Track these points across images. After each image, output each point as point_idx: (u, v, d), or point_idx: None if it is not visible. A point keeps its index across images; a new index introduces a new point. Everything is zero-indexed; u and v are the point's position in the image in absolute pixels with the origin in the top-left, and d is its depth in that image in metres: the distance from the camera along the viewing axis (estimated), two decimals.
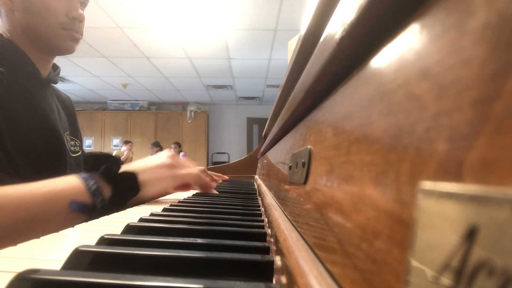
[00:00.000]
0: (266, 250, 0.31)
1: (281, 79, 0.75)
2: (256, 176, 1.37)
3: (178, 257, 0.26)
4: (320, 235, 0.22)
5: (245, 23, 3.28)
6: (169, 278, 0.21)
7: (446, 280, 0.09)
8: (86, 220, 0.46)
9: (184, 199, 0.72)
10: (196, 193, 0.87)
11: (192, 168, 0.69)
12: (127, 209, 0.58)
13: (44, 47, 0.75)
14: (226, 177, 1.27)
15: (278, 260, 0.27)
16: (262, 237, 0.37)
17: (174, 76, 5.06)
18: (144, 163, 0.62)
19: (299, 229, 0.29)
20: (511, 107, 0.08)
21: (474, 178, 0.09)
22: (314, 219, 0.24)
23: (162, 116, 6.70)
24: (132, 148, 5.66)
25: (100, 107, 6.74)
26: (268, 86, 5.55)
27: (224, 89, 5.77)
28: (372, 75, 0.18)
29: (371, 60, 0.18)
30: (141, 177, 0.57)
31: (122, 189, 0.55)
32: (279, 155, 0.60)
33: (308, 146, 0.30)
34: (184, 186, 0.80)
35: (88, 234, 0.39)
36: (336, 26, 0.21)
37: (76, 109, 0.95)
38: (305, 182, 0.29)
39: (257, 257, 0.27)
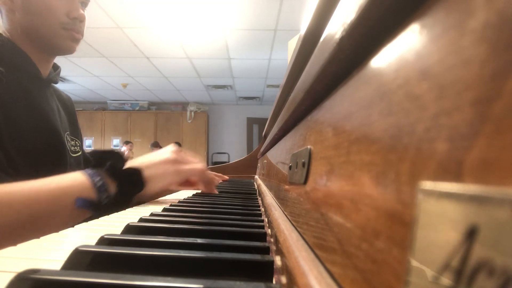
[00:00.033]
0: (266, 250, 0.31)
1: (281, 79, 0.75)
2: (256, 176, 1.37)
3: (178, 257, 0.26)
4: (320, 235, 0.22)
5: (245, 23, 3.28)
6: (169, 278, 0.21)
7: (446, 280, 0.09)
8: (87, 220, 0.46)
9: (184, 199, 0.72)
10: (196, 193, 0.87)
11: (197, 163, 0.69)
12: (127, 209, 0.58)
13: (45, 47, 0.75)
14: (226, 177, 1.27)
15: (278, 260, 0.27)
16: (262, 237, 0.37)
17: (174, 76, 5.06)
18: (148, 158, 0.62)
19: (299, 229, 0.29)
20: (511, 107, 0.08)
21: (474, 178, 0.09)
22: (314, 219, 0.24)
23: (162, 116, 6.70)
24: (132, 148, 5.67)
25: (100, 107, 6.74)
26: (268, 86, 5.55)
27: (224, 89, 5.77)
28: (372, 75, 0.18)
29: (371, 60, 0.18)
30: (146, 173, 0.58)
31: (127, 185, 0.55)
32: (279, 155, 0.60)
33: (308, 146, 0.30)
34: (189, 183, 0.80)
35: (88, 234, 0.39)
36: (336, 26, 0.21)
37: (76, 109, 0.95)
38: (305, 182, 0.29)
39: (257, 257, 0.27)
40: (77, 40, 0.78)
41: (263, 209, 0.56)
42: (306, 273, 0.19)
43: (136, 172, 0.57)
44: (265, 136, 1.24)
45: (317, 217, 0.23)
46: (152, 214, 0.48)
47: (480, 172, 0.08)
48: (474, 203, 0.08)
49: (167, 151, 0.65)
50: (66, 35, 0.75)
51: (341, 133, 0.21)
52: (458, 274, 0.08)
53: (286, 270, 0.23)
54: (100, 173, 0.52)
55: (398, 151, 0.13)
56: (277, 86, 5.22)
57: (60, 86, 0.90)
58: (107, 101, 6.65)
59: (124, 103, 6.65)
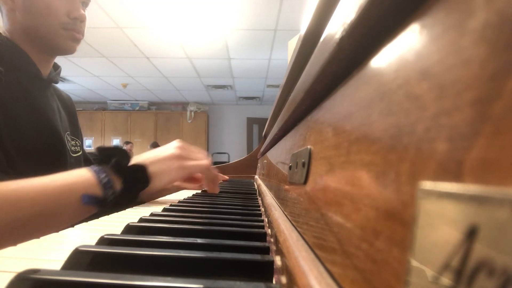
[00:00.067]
0: (266, 250, 0.31)
1: (281, 79, 0.75)
2: (256, 176, 1.37)
3: (178, 257, 0.26)
4: (320, 235, 0.22)
5: (245, 23, 3.28)
6: (169, 278, 0.21)
7: (446, 280, 0.09)
8: (87, 220, 0.46)
9: (184, 199, 0.72)
10: (196, 193, 0.87)
11: (202, 159, 0.68)
12: (127, 209, 0.58)
13: (45, 47, 0.75)
14: (226, 177, 1.27)
15: (278, 260, 0.27)
16: (262, 237, 0.37)
17: (174, 76, 5.06)
18: (153, 154, 0.62)
19: (299, 229, 0.29)
20: (511, 107, 0.08)
21: (474, 178, 0.09)
22: (314, 219, 0.24)
23: (162, 116, 6.70)
24: (133, 148, 5.66)
25: (100, 107, 6.75)
26: (268, 86, 5.55)
27: (224, 89, 5.77)
28: (372, 75, 0.18)
29: (371, 60, 0.18)
30: (151, 169, 0.58)
31: (132, 182, 0.55)
32: (279, 155, 0.60)
33: (308, 146, 0.30)
34: (193, 180, 0.80)
35: (88, 234, 0.39)
36: (336, 26, 0.21)
37: (76, 109, 0.95)
38: (305, 182, 0.29)
39: (257, 257, 0.27)
40: (77, 40, 0.78)
41: (263, 209, 0.56)
42: (306, 273, 0.19)
43: (141, 169, 0.57)
44: (265, 136, 1.24)
45: (317, 217, 0.23)
46: (152, 214, 0.48)
47: (480, 172, 0.08)
48: (474, 203, 0.08)
49: (172, 147, 0.64)
50: (67, 35, 0.75)
51: (341, 133, 0.21)
52: (458, 274, 0.08)
53: (286, 270, 0.23)
54: (105, 170, 0.53)
55: (398, 151, 0.13)
56: (277, 86, 5.22)
57: (60, 86, 0.90)
58: (107, 101, 6.65)
59: (124, 103, 6.65)
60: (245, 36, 3.59)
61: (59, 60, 0.81)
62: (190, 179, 0.80)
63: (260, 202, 0.68)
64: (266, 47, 3.87)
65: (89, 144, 6.45)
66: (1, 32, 0.73)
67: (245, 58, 4.25)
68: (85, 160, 0.89)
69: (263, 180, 0.92)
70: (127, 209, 0.58)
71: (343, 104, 0.22)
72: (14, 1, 0.71)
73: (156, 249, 0.27)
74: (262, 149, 1.25)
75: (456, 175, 0.09)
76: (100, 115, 6.63)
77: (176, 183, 0.82)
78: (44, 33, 0.73)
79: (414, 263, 0.10)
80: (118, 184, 0.53)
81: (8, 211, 0.42)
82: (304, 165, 0.30)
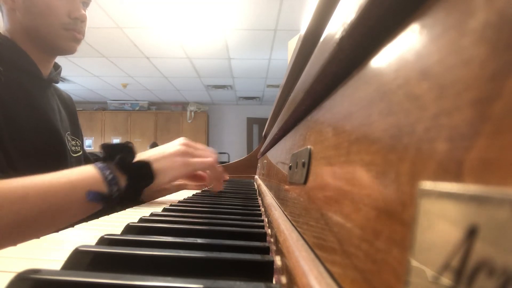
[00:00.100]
0: (266, 250, 0.31)
1: (281, 79, 0.75)
2: (256, 176, 1.37)
3: (178, 257, 0.26)
4: (320, 235, 0.22)
5: (245, 23, 3.28)
6: (169, 278, 0.21)
7: (446, 280, 0.09)
8: (87, 220, 0.46)
9: (184, 199, 0.72)
10: (196, 193, 0.87)
11: (206, 157, 0.68)
12: (127, 209, 0.58)
13: (45, 47, 0.75)
14: (226, 176, 1.27)
15: (278, 260, 0.27)
16: (262, 237, 0.37)
17: (174, 76, 5.06)
18: (157, 151, 0.62)
19: (299, 229, 0.29)
20: (511, 107, 0.08)
21: (474, 178, 0.09)
22: (314, 219, 0.24)
23: (162, 116, 6.69)
24: None
25: (100, 107, 6.74)
26: (268, 86, 5.54)
27: (224, 89, 5.77)
28: (372, 75, 0.18)
29: (371, 60, 0.18)
30: (155, 166, 0.58)
31: (137, 178, 0.55)
32: (279, 155, 0.60)
33: (308, 146, 0.30)
34: (197, 178, 0.79)
35: (88, 234, 0.39)
36: (336, 26, 0.21)
37: (76, 109, 0.95)
38: (305, 182, 0.29)
39: (257, 257, 0.27)
40: (78, 40, 0.78)
41: (263, 209, 0.56)
42: (306, 273, 0.19)
43: (145, 165, 0.57)
44: (265, 136, 1.24)
45: (317, 217, 0.23)
46: (152, 214, 0.48)
47: (480, 172, 0.08)
48: (474, 203, 0.08)
49: (177, 144, 0.65)
50: (67, 35, 0.75)
51: (341, 133, 0.21)
52: (458, 274, 0.08)
53: (286, 270, 0.23)
54: (110, 167, 0.53)
55: (398, 151, 0.13)
56: (277, 86, 5.21)
57: (60, 86, 0.90)
58: (107, 101, 6.65)
59: (124, 103, 6.65)
60: (245, 36, 3.59)
61: (58, 60, 0.81)
62: (194, 177, 0.79)
63: (260, 202, 0.68)
64: (266, 47, 3.87)
65: (89, 144, 6.45)
66: (1, 32, 0.73)
67: (245, 58, 4.25)
68: (85, 160, 0.89)
69: (263, 180, 0.92)
70: (127, 209, 0.58)
71: (343, 104, 0.22)
72: (15, 0, 0.71)
73: (156, 249, 0.27)
74: (262, 149, 1.25)
75: (456, 175, 0.09)
76: (100, 115, 6.63)
77: (178, 182, 0.82)
78: (44, 33, 0.73)
79: (414, 263, 0.10)
80: (123, 181, 0.53)
81: (13, 208, 0.42)
82: (304, 165, 0.30)
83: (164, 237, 0.32)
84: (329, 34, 0.23)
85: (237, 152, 6.65)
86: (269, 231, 0.39)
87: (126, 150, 0.56)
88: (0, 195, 0.41)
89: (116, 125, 6.63)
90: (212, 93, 6.12)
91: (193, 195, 0.81)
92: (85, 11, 0.78)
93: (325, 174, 0.23)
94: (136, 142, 6.30)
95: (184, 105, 6.77)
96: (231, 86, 5.59)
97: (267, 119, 1.18)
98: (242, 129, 6.95)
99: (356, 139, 0.18)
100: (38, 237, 0.35)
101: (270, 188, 0.68)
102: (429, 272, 0.09)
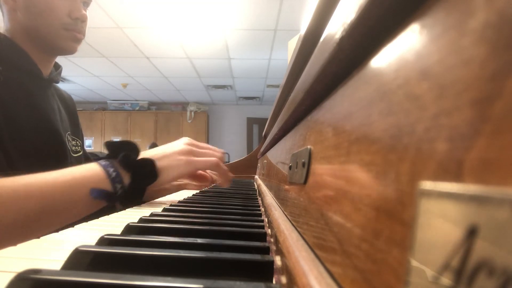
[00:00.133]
0: (266, 250, 0.31)
1: (281, 79, 0.75)
2: (256, 176, 1.37)
3: (178, 257, 0.26)
4: (320, 235, 0.22)
5: (245, 23, 3.28)
6: (169, 278, 0.21)
7: (446, 280, 0.09)
8: (87, 220, 0.46)
9: (184, 199, 0.72)
10: (196, 193, 0.87)
11: (210, 157, 0.68)
12: (127, 209, 0.58)
13: (46, 47, 0.75)
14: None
15: (278, 260, 0.27)
16: (262, 237, 0.37)
17: (174, 76, 5.06)
18: (161, 150, 0.62)
19: (299, 229, 0.29)
20: (511, 107, 0.08)
21: (474, 178, 0.09)
22: (314, 219, 0.24)
23: (162, 116, 6.69)
24: None
25: (100, 107, 6.74)
26: (268, 86, 5.54)
27: (224, 89, 5.77)
28: (372, 75, 0.18)
29: (371, 60, 0.18)
30: (159, 164, 0.58)
31: (140, 176, 0.55)
32: (279, 155, 0.60)
33: (308, 146, 0.30)
34: (200, 178, 0.79)
35: (88, 234, 0.39)
36: (336, 26, 0.21)
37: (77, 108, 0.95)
38: (305, 182, 0.29)
39: (257, 257, 0.27)
40: (78, 41, 0.78)
41: (263, 209, 0.56)
42: (306, 273, 0.19)
43: (149, 163, 0.57)
44: (265, 136, 1.24)
45: (317, 217, 0.23)
46: (152, 214, 0.48)
47: (480, 172, 0.08)
48: (474, 203, 0.08)
49: (181, 143, 0.65)
50: (68, 36, 0.75)
51: (341, 133, 0.21)
52: (458, 274, 0.08)
53: (286, 270, 0.23)
54: (114, 164, 0.53)
55: (398, 151, 0.13)
56: (277, 86, 5.21)
57: (60, 86, 0.90)
58: (107, 101, 6.65)
59: (124, 103, 6.65)
60: (245, 36, 3.58)
61: (58, 60, 0.81)
62: (197, 177, 0.79)
63: (260, 202, 0.68)
64: (266, 47, 3.87)
65: (89, 144, 6.44)
66: (1, 31, 0.73)
67: (245, 58, 4.25)
68: (85, 160, 0.89)
69: (263, 180, 0.92)
70: (127, 209, 0.58)
71: (343, 104, 0.22)
72: (15, 0, 0.71)
73: (156, 249, 0.27)
74: (262, 149, 1.25)
75: (456, 175, 0.09)
76: (100, 115, 6.63)
77: (178, 182, 0.82)
78: (45, 33, 0.73)
79: (414, 263, 0.10)
80: (126, 178, 0.54)
81: (17, 205, 0.42)
82: (304, 165, 0.30)
83: (164, 237, 0.32)
84: (329, 34, 0.23)
85: (237, 152, 6.65)
86: (269, 231, 0.39)
87: (130, 148, 0.56)
88: (4, 193, 0.41)
89: (116, 125, 6.63)
90: (212, 93, 6.12)
91: (193, 195, 0.81)
92: (85, 11, 0.78)
93: (325, 174, 0.23)
94: (136, 142, 6.29)
95: (184, 105, 6.77)
96: (231, 86, 5.59)
97: (267, 119, 1.18)
98: (242, 129, 6.95)
99: (356, 139, 0.18)
100: (38, 237, 0.35)
101: (270, 188, 0.68)
102: (429, 272, 0.09)
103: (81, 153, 0.86)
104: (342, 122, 0.22)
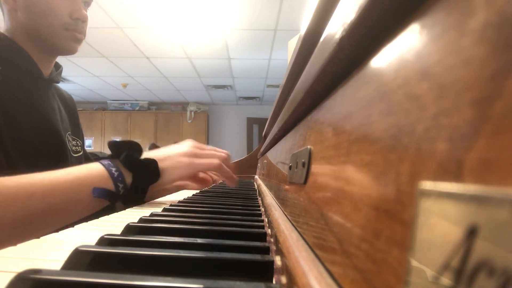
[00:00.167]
0: (266, 250, 0.31)
1: (281, 79, 0.75)
2: (256, 176, 1.37)
3: (178, 257, 0.26)
4: (320, 235, 0.22)
5: (245, 23, 3.28)
6: (169, 278, 0.21)
7: (446, 280, 0.09)
8: (87, 220, 0.46)
9: (184, 199, 0.72)
10: (196, 193, 0.87)
11: (213, 159, 0.68)
12: (127, 209, 0.58)
13: (46, 47, 0.75)
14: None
15: (278, 260, 0.27)
16: (262, 237, 0.37)
17: (174, 76, 5.06)
18: (164, 151, 0.62)
19: (299, 229, 0.29)
20: (511, 107, 0.08)
21: (474, 178, 0.09)
22: (314, 219, 0.24)
23: (162, 116, 6.69)
24: None
25: (100, 107, 6.74)
26: (268, 86, 5.54)
27: (224, 89, 5.77)
28: (372, 75, 0.18)
29: (371, 60, 0.18)
30: (161, 164, 0.58)
31: (143, 176, 0.56)
32: (279, 155, 0.60)
33: (308, 146, 0.30)
34: (201, 181, 0.79)
35: (88, 234, 0.39)
36: (336, 26, 0.21)
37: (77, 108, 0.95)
38: (305, 182, 0.29)
39: (257, 257, 0.27)
40: (79, 41, 0.78)
41: (263, 209, 0.56)
42: (306, 273, 0.19)
43: (151, 163, 0.57)
44: (265, 136, 1.24)
45: (317, 217, 0.23)
46: (152, 214, 0.48)
47: (480, 172, 0.08)
48: (474, 203, 0.08)
49: (184, 145, 0.65)
50: (68, 36, 0.75)
51: (341, 133, 0.21)
52: (458, 274, 0.08)
53: (286, 270, 0.23)
54: (116, 164, 0.53)
55: (398, 151, 0.13)
56: (277, 86, 5.21)
57: (60, 86, 0.90)
58: (107, 101, 6.65)
59: (124, 103, 6.65)
60: (245, 36, 3.58)
61: (58, 60, 0.81)
62: (198, 179, 0.80)
63: (260, 202, 0.68)
64: (266, 47, 3.87)
65: (89, 144, 6.44)
66: (2, 31, 0.73)
67: (245, 58, 4.25)
68: (86, 160, 0.89)
69: (263, 180, 0.92)
70: (127, 209, 0.58)
71: (343, 104, 0.22)
72: (16, 0, 0.71)
73: (156, 249, 0.27)
74: (262, 149, 1.25)
75: (456, 175, 0.09)
76: (100, 115, 6.63)
77: (178, 182, 0.82)
78: (45, 33, 0.73)
79: (414, 263, 0.10)
80: (129, 178, 0.54)
81: (19, 205, 0.42)
82: (304, 165, 0.30)
83: (164, 237, 0.32)
84: (329, 34, 0.23)
85: (237, 152, 6.65)
86: (269, 231, 0.39)
87: (133, 148, 0.56)
88: (7, 192, 0.41)
89: (116, 125, 6.63)
90: (212, 93, 6.12)
91: (193, 195, 0.81)
92: (86, 11, 0.78)
93: (325, 174, 0.23)
94: None
95: (184, 105, 6.77)
96: (231, 86, 5.59)
97: (267, 119, 1.18)
98: (242, 129, 6.95)
99: (356, 139, 0.18)
100: (38, 237, 0.35)
101: (270, 188, 0.68)
102: (429, 272, 0.09)
103: (81, 153, 0.86)
104: (342, 122, 0.22)
